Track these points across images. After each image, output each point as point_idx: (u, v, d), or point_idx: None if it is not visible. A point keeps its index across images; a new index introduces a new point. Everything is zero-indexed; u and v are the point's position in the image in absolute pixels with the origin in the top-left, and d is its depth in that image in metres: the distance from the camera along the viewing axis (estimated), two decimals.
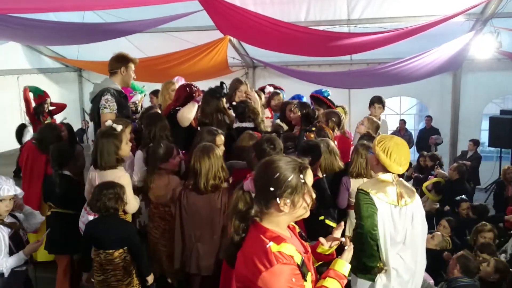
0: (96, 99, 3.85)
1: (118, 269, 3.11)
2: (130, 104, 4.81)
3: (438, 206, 6.27)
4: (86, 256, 3.28)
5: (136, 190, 3.73)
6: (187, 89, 4.31)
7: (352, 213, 3.58)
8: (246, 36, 7.06)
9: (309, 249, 1.93)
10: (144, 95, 5.98)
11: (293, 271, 1.66)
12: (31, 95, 6.20)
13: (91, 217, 3.32)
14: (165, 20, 6.44)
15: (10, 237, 2.92)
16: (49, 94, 6.41)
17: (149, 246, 3.66)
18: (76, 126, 9.69)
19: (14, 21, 5.15)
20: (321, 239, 2.03)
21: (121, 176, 3.30)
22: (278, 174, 1.70)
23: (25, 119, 8.28)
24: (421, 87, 9.07)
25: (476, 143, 8.36)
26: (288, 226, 1.86)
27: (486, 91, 9.35)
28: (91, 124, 5.02)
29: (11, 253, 2.91)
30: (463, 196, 5.89)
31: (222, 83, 4.25)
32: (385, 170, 2.78)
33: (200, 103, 4.15)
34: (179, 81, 5.34)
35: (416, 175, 7.41)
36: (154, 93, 6.15)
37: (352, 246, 2.01)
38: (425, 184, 6.56)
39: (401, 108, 10.60)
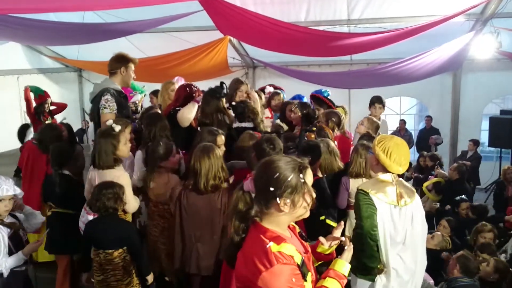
0: (96, 99, 3.86)
1: (118, 269, 3.11)
2: (130, 104, 4.81)
3: (438, 205, 6.27)
4: (85, 256, 3.28)
5: (136, 190, 3.73)
6: (187, 89, 4.31)
7: (352, 213, 3.58)
8: (246, 36, 7.06)
9: (309, 249, 1.93)
10: (144, 95, 5.98)
11: (293, 271, 1.66)
12: (31, 95, 6.20)
13: (90, 217, 3.33)
14: (165, 20, 6.44)
15: (9, 237, 2.92)
16: (49, 94, 6.41)
17: (148, 244, 3.66)
18: (76, 126, 9.69)
19: (14, 21, 5.15)
20: (321, 239, 2.03)
21: (120, 175, 3.31)
22: (277, 174, 1.70)
23: (25, 119, 8.29)
24: (421, 87, 9.07)
25: (476, 143, 8.36)
26: (288, 226, 1.86)
27: (486, 91, 9.34)
28: (91, 124, 5.02)
29: (10, 253, 2.91)
30: (463, 196, 5.89)
31: (222, 83, 4.25)
32: (385, 170, 2.78)
33: (200, 103, 4.15)
34: (179, 81, 5.34)
35: (416, 175, 7.41)
36: (154, 93, 6.15)
37: (352, 246, 2.01)
38: (425, 184, 6.56)
39: (401, 108, 10.60)
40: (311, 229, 3.02)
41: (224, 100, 4.23)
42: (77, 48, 8.70)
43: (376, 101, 5.43)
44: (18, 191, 2.96)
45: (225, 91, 4.20)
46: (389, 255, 2.75)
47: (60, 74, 10.16)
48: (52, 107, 6.36)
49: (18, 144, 6.28)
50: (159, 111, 4.64)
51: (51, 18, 6.31)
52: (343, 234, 2.11)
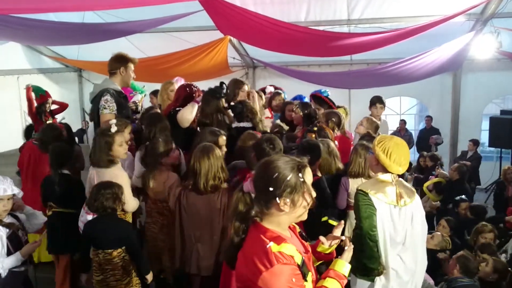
0: (96, 100, 3.86)
1: (117, 268, 3.11)
2: (131, 104, 4.81)
3: (439, 204, 6.27)
4: (85, 256, 3.28)
5: (136, 190, 3.74)
6: (187, 89, 4.32)
7: (351, 214, 3.58)
8: (246, 36, 7.06)
9: (310, 249, 1.93)
10: (144, 95, 5.97)
11: (294, 271, 1.66)
12: (32, 94, 6.20)
13: (90, 217, 3.33)
14: (165, 20, 6.44)
15: (8, 237, 2.91)
16: (50, 94, 6.41)
17: (148, 242, 3.66)
18: (76, 126, 9.70)
19: (14, 21, 5.15)
20: (321, 238, 2.03)
21: (118, 174, 3.32)
22: (277, 174, 1.70)
23: (25, 119, 8.28)
24: (421, 87, 9.07)
25: (476, 143, 8.36)
26: (289, 226, 1.85)
27: (486, 91, 9.34)
28: (91, 124, 5.02)
29: (9, 253, 2.90)
30: (463, 196, 5.89)
31: (222, 83, 4.25)
32: (385, 170, 2.77)
33: (200, 103, 4.15)
34: (179, 82, 5.34)
35: (416, 175, 7.40)
36: (154, 93, 6.15)
37: (352, 246, 2.01)
38: (426, 184, 6.56)
39: (401, 108, 10.60)
40: (311, 229, 3.01)
41: (223, 100, 4.23)
42: (77, 48, 8.69)
43: (377, 101, 5.44)
44: (16, 190, 2.95)
45: (224, 91, 4.19)
46: (389, 255, 2.75)
47: (60, 74, 10.16)
48: (54, 107, 6.37)
49: (18, 144, 6.28)
50: (159, 111, 4.64)
51: (51, 18, 6.31)
52: (342, 234, 2.11)
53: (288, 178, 1.69)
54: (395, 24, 6.86)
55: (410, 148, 8.50)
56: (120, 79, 3.99)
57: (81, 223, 3.44)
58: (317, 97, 5.41)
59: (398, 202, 2.75)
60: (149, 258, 3.59)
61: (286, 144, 4.05)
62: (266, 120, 5.16)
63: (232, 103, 4.34)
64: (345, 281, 1.91)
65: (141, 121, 4.53)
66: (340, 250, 2.04)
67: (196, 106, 4.10)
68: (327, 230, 3.34)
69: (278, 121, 5.14)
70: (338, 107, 5.35)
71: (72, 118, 8.24)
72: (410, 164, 6.01)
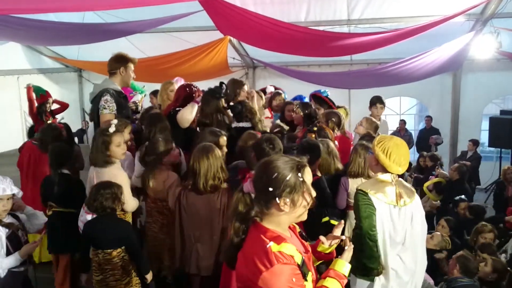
0: (95, 100, 3.86)
1: (117, 268, 3.11)
2: (131, 104, 4.81)
3: (439, 204, 6.26)
4: (84, 256, 3.29)
5: (136, 190, 3.74)
6: (187, 89, 4.31)
7: (351, 214, 3.58)
8: (246, 36, 7.07)
9: (310, 249, 1.93)
10: (145, 95, 5.97)
11: (294, 271, 1.66)
12: (33, 94, 6.21)
13: (89, 217, 3.33)
14: (165, 20, 6.44)
15: (7, 237, 2.91)
16: (51, 94, 6.42)
17: (148, 242, 3.66)
18: (76, 126, 9.70)
19: (15, 21, 5.15)
20: (322, 238, 2.03)
21: (117, 174, 3.32)
22: (276, 174, 1.70)
23: (26, 119, 8.28)
24: (421, 87, 9.07)
25: (475, 143, 8.37)
26: (289, 226, 1.86)
27: (486, 91, 9.34)
28: (91, 124, 5.02)
29: (9, 253, 2.90)
30: (463, 196, 5.89)
31: (221, 83, 4.25)
32: (385, 170, 2.77)
33: (199, 103, 4.15)
34: (178, 82, 5.34)
35: (416, 175, 7.40)
36: (154, 93, 6.15)
37: (352, 246, 2.01)
38: (426, 184, 6.56)
39: (401, 108, 10.60)
40: (311, 229, 3.01)
41: (223, 100, 4.23)
42: (77, 48, 8.70)
43: (377, 101, 5.44)
44: (16, 190, 2.94)
45: (224, 91, 4.19)
46: (388, 255, 2.75)
47: (60, 74, 10.16)
48: (55, 106, 6.38)
49: (18, 144, 6.28)
50: (159, 111, 4.64)
51: (51, 18, 6.31)
52: (342, 234, 2.11)
53: (287, 178, 1.69)
54: (395, 24, 6.86)
55: (410, 148, 8.51)
56: (120, 79, 3.99)
57: (81, 223, 3.45)
58: (317, 97, 5.41)
59: (397, 202, 2.75)
60: (149, 258, 3.59)
61: (287, 144, 4.04)
62: (266, 120, 5.16)
63: (231, 103, 4.34)
64: (345, 281, 1.91)
65: (141, 121, 4.53)
66: (340, 250, 2.04)
67: (196, 106, 4.10)
68: (327, 230, 3.36)
69: (278, 121, 5.14)
70: (338, 107, 5.35)
71: (72, 118, 8.24)
72: (410, 164, 6.01)
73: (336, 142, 4.27)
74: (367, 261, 2.75)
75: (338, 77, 8.62)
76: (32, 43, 8.66)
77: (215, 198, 3.11)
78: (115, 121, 3.43)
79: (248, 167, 3.30)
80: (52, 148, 3.86)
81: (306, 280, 1.72)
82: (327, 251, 2.05)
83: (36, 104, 6.16)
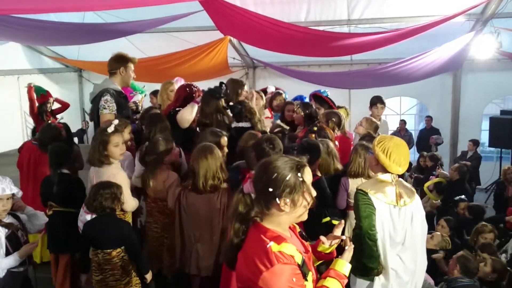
0: (96, 100, 3.86)
1: (116, 268, 3.11)
2: (131, 104, 4.81)
3: (439, 203, 6.26)
4: (84, 257, 3.29)
5: (136, 191, 3.74)
6: (187, 89, 4.31)
7: (351, 214, 3.58)
8: (246, 36, 7.07)
9: (310, 249, 1.93)
10: (145, 95, 5.98)
11: (294, 271, 1.66)
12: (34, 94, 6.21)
13: (88, 216, 3.33)
14: (165, 20, 6.45)
15: (7, 237, 2.90)
16: (51, 94, 6.43)
17: (148, 242, 3.65)
18: (76, 126, 9.71)
19: (15, 21, 5.15)
20: (322, 238, 2.03)
21: (116, 174, 3.33)
22: (276, 174, 1.70)
23: (26, 119, 8.28)
24: (421, 88, 9.07)
25: (475, 143, 8.37)
26: (289, 226, 1.85)
27: (486, 92, 9.34)
28: (91, 124, 5.03)
29: (8, 253, 2.90)
30: (463, 196, 5.89)
31: (221, 83, 4.24)
32: (385, 170, 2.77)
33: (199, 103, 4.15)
34: (178, 82, 5.34)
35: (416, 176, 7.40)
36: (154, 93, 6.15)
37: (352, 246, 2.01)
38: (426, 184, 6.56)
39: (401, 108, 10.60)
40: (312, 229, 3.01)
41: (223, 100, 4.23)
42: (77, 48, 8.70)
43: (378, 101, 5.44)
44: (15, 190, 2.93)
45: (224, 91, 4.19)
46: (388, 255, 2.75)
47: (60, 74, 10.16)
48: (56, 106, 6.39)
49: (18, 144, 6.28)
50: (159, 111, 4.64)
51: (51, 18, 6.31)
52: (342, 234, 2.11)
53: (287, 178, 1.69)
54: (395, 24, 6.86)
55: (410, 148, 8.51)
56: (120, 79, 3.99)
57: (80, 223, 3.44)
58: (317, 97, 5.41)
59: (397, 202, 2.75)
60: (150, 258, 3.59)
61: (288, 144, 4.04)
62: (266, 120, 5.16)
63: (231, 103, 4.34)
64: (346, 281, 1.91)
65: (141, 121, 4.53)
66: (340, 250, 2.04)
67: (196, 107, 4.09)
68: (328, 230, 3.36)
69: (279, 121, 5.14)
70: (339, 107, 5.35)
71: (72, 118, 8.24)
72: (410, 164, 6.01)
73: (337, 142, 4.27)
74: (367, 261, 2.75)
75: (338, 77, 8.62)
76: (32, 43, 8.67)
77: (215, 198, 3.10)
78: (116, 121, 3.43)
79: (248, 167, 3.30)
80: (51, 148, 3.86)
81: (306, 280, 1.72)
82: (327, 251, 2.05)
83: (37, 104, 6.17)
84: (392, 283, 2.78)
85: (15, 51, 8.60)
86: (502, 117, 8.42)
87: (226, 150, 3.58)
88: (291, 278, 1.64)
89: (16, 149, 5.39)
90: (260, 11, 6.11)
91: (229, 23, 6.11)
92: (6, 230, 2.92)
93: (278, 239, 1.70)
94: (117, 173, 3.34)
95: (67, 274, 3.85)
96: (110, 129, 3.33)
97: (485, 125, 9.21)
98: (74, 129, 9.10)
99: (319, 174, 3.62)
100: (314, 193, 1.76)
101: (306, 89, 6.59)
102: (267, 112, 5.50)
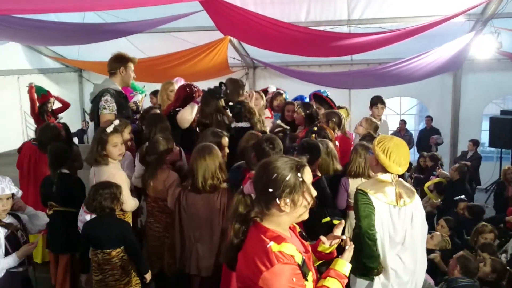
0: (96, 100, 3.86)
1: (116, 268, 3.11)
2: (131, 104, 4.81)
3: (439, 202, 6.26)
4: (84, 257, 3.28)
5: (136, 191, 3.73)
6: (187, 89, 4.31)
7: (351, 214, 3.58)
8: (246, 36, 7.07)
9: (310, 249, 1.93)
10: (145, 95, 5.98)
11: (294, 270, 1.66)
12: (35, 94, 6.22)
13: (88, 216, 3.33)
14: (165, 21, 6.45)
15: (6, 237, 2.90)
16: (52, 94, 6.43)
17: (148, 242, 3.65)
18: (77, 126, 9.71)
19: (15, 21, 5.15)
20: (322, 237, 2.03)
21: (115, 173, 3.33)
22: (275, 174, 1.70)
23: (26, 120, 8.29)
24: (422, 88, 9.07)
25: (475, 143, 8.37)
26: (289, 226, 1.85)
27: (486, 92, 9.35)
28: (91, 124, 5.02)
29: (7, 254, 2.89)
30: (463, 196, 5.89)
31: (221, 83, 4.24)
32: (385, 170, 2.77)
33: (199, 104, 4.15)
34: (179, 82, 5.34)
35: (416, 176, 7.40)
36: (154, 93, 6.15)
37: (352, 246, 2.01)
38: (427, 184, 6.56)
39: (401, 108, 10.60)
40: (312, 229, 3.01)
41: (222, 100, 4.23)
42: (77, 48, 8.70)
43: (378, 101, 5.44)
44: (15, 190, 2.93)
45: (224, 91, 4.18)
46: (388, 255, 2.75)
47: (61, 74, 10.16)
48: (56, 105, 6.39)
49: (18, 144, 6.29)
50: (158, 111, 4.64)
51: (51, 18, 6.32)
52: (343, 234, 2.11)
53: (287, 179, 1.69)
54: (395, 24, 6.86)
55: (410, 148, 8.51)
56: (120, 79, 3.99)
57: (80, 223, 3.45)
58: (318, 96, 5.41)
59: (397, 202, 2.75)
60: (150, 257, 3.59)
61: (290, 144, 4.04)
62: (266, 120, 5.16)
63: (230, 103, 4.34)
64: (346, 281, 1.91)
65: (141, 122, 4.53)
66: (340, 250, 2.04)
67: (195, 107, 4.09)
68: (328, 230, 3.36)
69: (279, 121, 5.14)
70: (339, 107, 5.35)
71: (72, 118, 8.25)
72: (410, 164, 6.01)
73: (337, 142, 4.27)
74: (367, 261, 2.75)
75: (339, 77, 8.62)
76: (32, 43, 8.67)
77: (214, 198, 3.10)
78: (116, 122, 3.43)
79: (249, 167, 3.30)
80: (51, 148, 3.86)
81: (306, 280, 1.72)
82: (327, 251, 2.05)
83: (37, 104, 6.18)
84: (392, 283, 2.78)
85: (15, 51, 8.60)
86: (502, 117, 8.43)
87: (227, 150, 3.58)
88: (291, 278, 1.64)
89: (16, 149, 5.40)
90: (260, 11, 6.11)
91: (229, 23, 6.11)
92: (6, 230, 2.91)
93: (278, 239, 1.70)
94: (116, 173, 3.35)
95: (67, 274, 3.84)
96: (109, 129, 3.34)
97: (485, 125, 9.21)
98: (74, 129, 9.12)
99: (319, 174, 3.62)
100: (314, 193, 1.76)
101: (306, 89, 6.59)
102: (267, 112, 5.50)
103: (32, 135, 6.38)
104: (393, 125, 9.64)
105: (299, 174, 1.71)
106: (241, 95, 4.56)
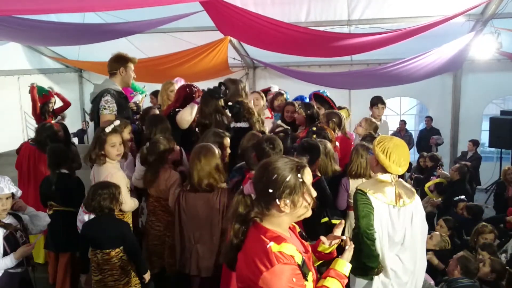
0: (96, 100, 3.86)
1: (115, 268, 3.11)
2: (131, 104, 4.81)
3: (439, 201, 6.26)
4: (83, 257, 3.29)
5: (136, 191, 3.73)
6: (187, 89, 4.31)
7: (351, 214, 3.58)
8: (247, 36, 7.07)
9: (310, 249, 1.94)
10: (145, 96, 5.99)
11: (294, 271, 1.66)
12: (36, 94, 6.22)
13: (87, 216, 3.33)
14: (165, 21, 6.45)
15: (5, 238, 2.90)
16: (53, 94, 6.44)
17: (149, 242, 3.65)
18: (77, 127, 9.72)
19: (15, 21, 5.16)
20: (322, 237, 2.03)
21: (114, 173, 3.34)
22: (276, 175, 1.70)
23: (26, 120, 8.29)
24: (422, 88, 9.07)
25: (475, 143, 8.37)
26: (289, 226, 1.86)
27: (486, 92, 9.34)
28: (91, 124, 5.02)
29: (6, 254, 2.89)
30: (462, 196, 5.89)
31: (220, 83, 4.24)
32: (385, 170, 2.78)
33: (199, 104, 4.14)
34: (179, 82, 5.33)
35: (416, 176, 7.40)
36: (154, 93, 6.15)
37: (352, 245, 2.01)
38: (427, 185, 6.57)
39: (401, 108, 10.60)
40: (311, 229, 3.01)
41: (222, 100, 4.22)
42: (78, 48, 8.70)
43: (378, 101, 5.44)
44: (14, 189, 2.92)
45: (224, 91, 4.18)
46: (387, 255, 2.75)
47: (61, 75, 10.16)
48: (57, 105, 6.40)
49: (18, 144, 6.29)
50: (158, 111, 4.64)
51: (51, 18, 6.32)
52: (343, 234, 2.11)
53: (287, 179, 1.69)
54: (395, 24, 6.86)
55: (410, 148, 8.52)
56: (120, 79, 3.99)
57: (79, 223, 3.45)
58: (318, 96, 5.41)
59: (397, 202, 2.75)
60: (150, 257, 3.59)
61: (291, 145, 4.03)
62: (266, 120, 5.15)
63: (229, 103, 4.34)
64: (346, 281, 1.91)
65: (141, 122, 4.53)
66: (340, 250, 2.05)
67: (195, 107, 4.09)
68: (328, 230, 3.36)
69: (279, 121, 5.14)
70: (340, 108, 5.35)
71: (72, 118, 8.25)
72: (410, 164, 6.01)
73: (337, 143, 4.26)
74: (366, 260, 2.75)
75: (339, 78, 8.62)
76: (32, 44, 8.67)
77: (214, 198, 3.10)
78: (116, 122, 3.43)
79: (249, 167, 3.30)
80: (50, 148, 3.87)
81: (306, 280, 1.72)
82: (327, 251, 2.05)
83: (39, 104, 6.19)
84: (392, 282, 2.78)
85: (15, 51, 8.59)
86: (502, 117, 8.42)
87: (229, 151, 3.58)
88: (291, 278, 1.64)
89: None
90: (261, 11, 6.11)
91: (229, 23, 6.11)
92: (4, 230, 2.91)
93: (278, 239, 1.71)
94: (114, 173, 3.35)
95: (67, 274, 3.85)
96: (108, 129, 3.34)
97: (485, 125, 9.21)
98: (74, 129, 9.13)
99: (319, 174, 3.62)
100: (314, 194, 1.76)
101: (306, 89, 6.58)
102: (267, 112, 5.50)
103: (32, 135, 6.37)
104: (393, 125, 9.63)
105: (299, 175, 1.71)
106: (242, 95, 4.55)
